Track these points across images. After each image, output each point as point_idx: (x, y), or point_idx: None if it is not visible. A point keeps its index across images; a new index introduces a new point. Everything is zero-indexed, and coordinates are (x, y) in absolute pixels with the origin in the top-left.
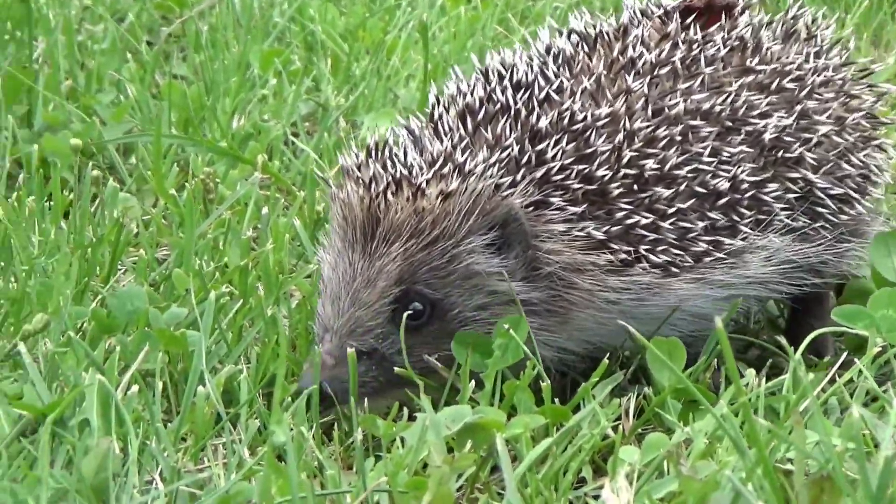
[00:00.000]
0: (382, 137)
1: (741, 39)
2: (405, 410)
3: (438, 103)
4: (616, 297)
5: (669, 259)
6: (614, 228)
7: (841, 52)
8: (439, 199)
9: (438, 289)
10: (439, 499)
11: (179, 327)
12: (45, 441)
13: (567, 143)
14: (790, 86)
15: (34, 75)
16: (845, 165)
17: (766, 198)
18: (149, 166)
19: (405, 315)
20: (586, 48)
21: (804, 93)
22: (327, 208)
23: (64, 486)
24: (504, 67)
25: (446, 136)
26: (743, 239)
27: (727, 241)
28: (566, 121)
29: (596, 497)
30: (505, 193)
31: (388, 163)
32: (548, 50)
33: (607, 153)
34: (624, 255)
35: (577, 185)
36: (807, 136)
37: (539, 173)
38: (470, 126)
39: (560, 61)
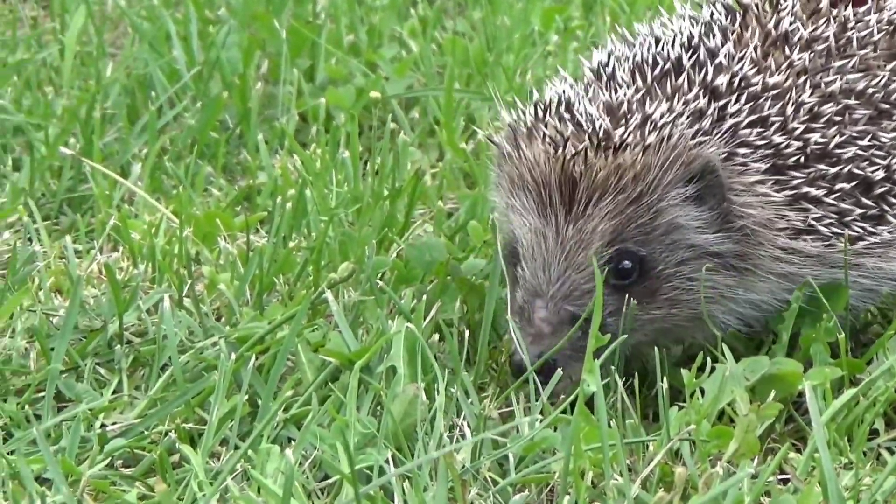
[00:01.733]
0: (547, 94)
1: (891, 23)
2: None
3: (608, 62)
4: (788, 263)
5: (831, 236)
6: (789, 194)
7: None
8: (639, 152)
9: (644, 245)
10: (746, 446)
11: (477, 278)
12: (352, 387)
13: (745, 104)
14: None
15: (318, 30)
16: None
17: None
18: (431, 121)
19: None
20: (737, 20)
21: None
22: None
23: (371, 432)
24: (664, 34)
25: (620, 88)
26: (890, 232)
27: (880, 228)
28: (740, 84)
29: (889, 449)
30: (700, 143)
31: (568, 118)
32: (696, 21)
33: (779, 121)
34: (798, 223)
35: (760, 143)
36: None
37: (726, 126)
38: (647, 80)
39: (715, 30)
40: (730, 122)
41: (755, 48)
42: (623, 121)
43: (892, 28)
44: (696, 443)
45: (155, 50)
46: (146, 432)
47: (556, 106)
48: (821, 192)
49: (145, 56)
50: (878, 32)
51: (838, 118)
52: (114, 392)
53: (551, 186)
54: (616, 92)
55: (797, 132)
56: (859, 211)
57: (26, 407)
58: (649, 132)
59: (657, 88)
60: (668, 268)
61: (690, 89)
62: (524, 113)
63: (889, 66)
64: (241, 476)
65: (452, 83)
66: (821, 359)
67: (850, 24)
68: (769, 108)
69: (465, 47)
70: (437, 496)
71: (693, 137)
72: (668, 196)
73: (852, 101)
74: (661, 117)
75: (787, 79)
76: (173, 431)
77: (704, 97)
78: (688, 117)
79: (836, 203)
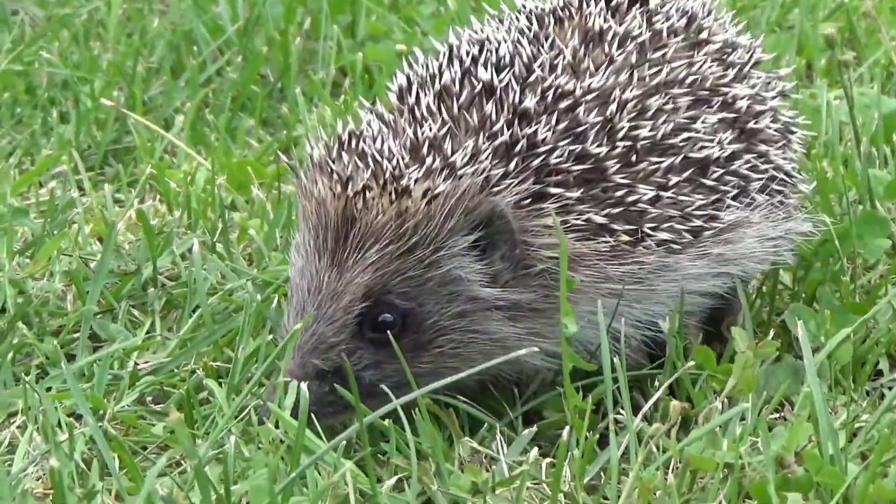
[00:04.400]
0: (355, 123)
1: (686, 13)
2: None
3: (409, 84)
4: (618, 286)
5: (671, 236)
6: (615, 209)
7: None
8: (425, 200)
9: (413, 298)
10: (744, 383)
11: None
12: None
13: (557, 122)
14: (738, 60)
15: None
16: (791, 144)
17: (742, 171)
18: None
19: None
20: (549, 25)
21: (747, 69)
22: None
23: None
24: (472, 45)
25: (425, 121)
26: (731, 213)
27: (721, 213)
28: (555, 99)
29: (892, 388)
30: (492, 188)
31: (367, 153)
32: (507, 30)
33: (598, 127)
34: (626, 237)
35: (572, 167)
36: (760, 108)
37: (534, 160)
38: (453, 110)
39: (530, 35)
40: (538, 151)
41: (573, 51)
42: (418, 163)
43: (688, 17)
44: (706, 378)
45: (199, 6)
46: (176, 371)
47: (356, 140)
48: (655, 189)
49: (190, 11)
50: (679, 21)
51: (667, 107)
52: (147, 333)
53: (327, 227)
54: (421, 126)
55: (623, 131)
56: (699, 197)
57: (62, 346)
58: (438, 177)
59: (464, 119)
60: (444, 320)
61: (498, 118)
62: (326, 145)
63: (698, 52)
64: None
65: None
66: (826, 301)
67: (653, 16)
68: (587, 116)
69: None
70: (424, 432)
71: (491, 179)
72: (447, 246)
73: (676, 90)
74: (463, 158)
75: (608, 77)
76: (201, 369)
77: (512, 127)
78: (490, 156)
79: (674, 196)
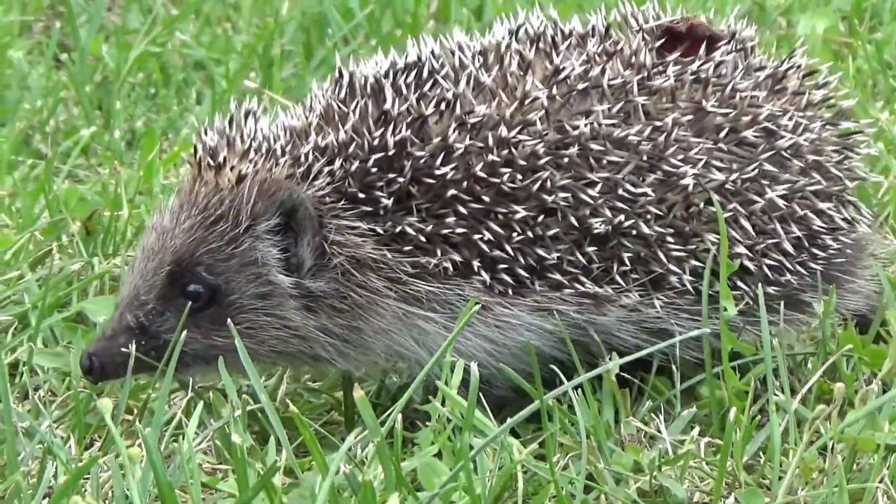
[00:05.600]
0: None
1: (696, 73)
2: None
3: (340, 76)
4: (422, 311)
5: (510, 278)
6: (446, 231)
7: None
8: (234, 178)
9: (220, 273)
10: None
11: None
12: None
13: (414, 131)
14: (753, 138)
15: None
16: (785, 229)
17: (660, 253)
18: None
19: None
20: (534, 47)
21: (768, 152)
22: None
23: None
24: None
25: (311, 112)
26: (610, 286)
27: (589, 282)
28: (427, 106)
29: None
30: (306, 180)
31: (234, 133)
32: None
33: (463, 152)
34: (451, 264)
35: (405, 179)
36: (752, 197)
37: (357, 164)
38: (332, 103)
39: (491, 53)
40: (370, 156)
41: (504, 76)
42: (260, 147)
43: (697, 78)
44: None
45: None
46: None
47: (245, 119)
48: (503, 233)
49: None
50: (676, 81)
51: (572, 161)
52: None
53: (178, 193)
54: (306, 115)
55: (484, 166)
56: (572, 258)
57: None
58: (254, 160)
59: (333, 114)
60: (244, 299)
61: (359, 116)
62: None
63: (676, 117)
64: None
65: None
66: None
67: (644, 70)
68: (454, 137)
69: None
70: (586, 411)
71: (310, 174)
72: (251, 227)
73: (601, 147)
74: (280, 150)
75: (510, 111)
76: None
77: (369, 126)
78: (320, 152)
79: (523, 246)
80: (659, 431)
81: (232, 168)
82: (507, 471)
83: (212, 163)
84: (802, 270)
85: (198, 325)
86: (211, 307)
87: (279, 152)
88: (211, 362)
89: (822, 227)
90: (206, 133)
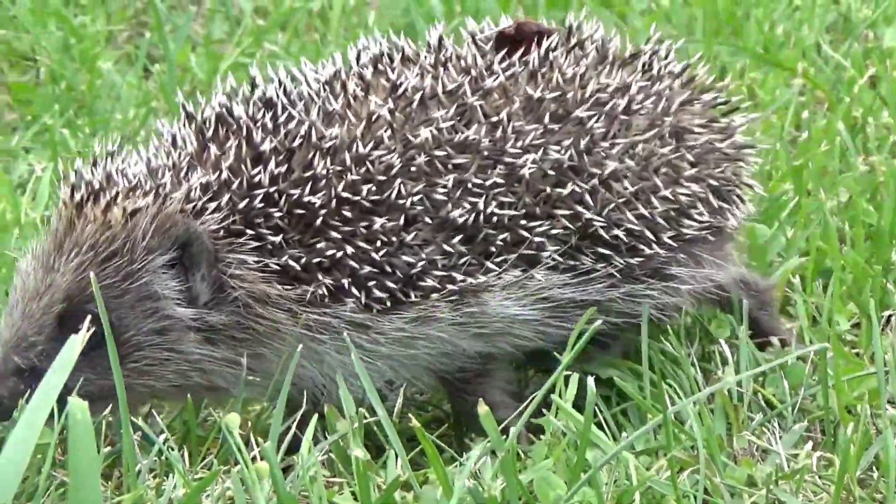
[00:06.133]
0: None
1: (526, 65)
2: None
3: (187, 114)
4: (311, 334)
5: (384, 294)
6: (318, 259)
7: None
8: (125, 214)
9: (112, 310)
10: None
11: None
12: None
13: (284, 166)
14: (583, 114)
15: None
16: (641, 205)
17: (525, 234)
18: None
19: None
20: (373, 68)
21: (600, 122)
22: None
23: None
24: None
25: (177, 150)
26: (485, 275)
27: (462, 276)
28: (292, 141)
29: None
30: (195, 217)
31: (115, 172)
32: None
33: (325, 178)
34: (325, 290)
35: (281, 213)
36: (593, 170)
37: (241, 202)
38: (201, 142)
39: (336, 81)
40: (251, 194)
41: (349, 100)
42: (135, 182)
43: (527, 70)
44: None
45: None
46: None
47: (115, 155)
48: (369, 247)
49: (405, 6)
50: (507, 77)
51: (421, 168)
52: None
53: (52, 232)
54: (172, 152)
55: (346, 186)
56: (439, 258)
57: None
58: (143, 195)
59: (208, 151)
60: (140, 336)
61: (234, 154)
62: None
63: (509, 110)
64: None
65: (711, 40)
66: None
67: (475, 73)
68: (318, 164)
69: (713, 1)
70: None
71: (197, 208)
72: (145, 262)
73: (443, 152)
74: (169, 186)
75: (359, 130)
76: None
77: (244, 164)
78: (206, 190)
79: (391, 256)
80: (771, 445)
81: (118, 204)
82: (635, 488)
83: (96, 201)
84: (670, 242)
85: (92, 367)
86: (104, 345)
87: (167, 188)
88: (111, 399)
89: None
90: (78, 172)
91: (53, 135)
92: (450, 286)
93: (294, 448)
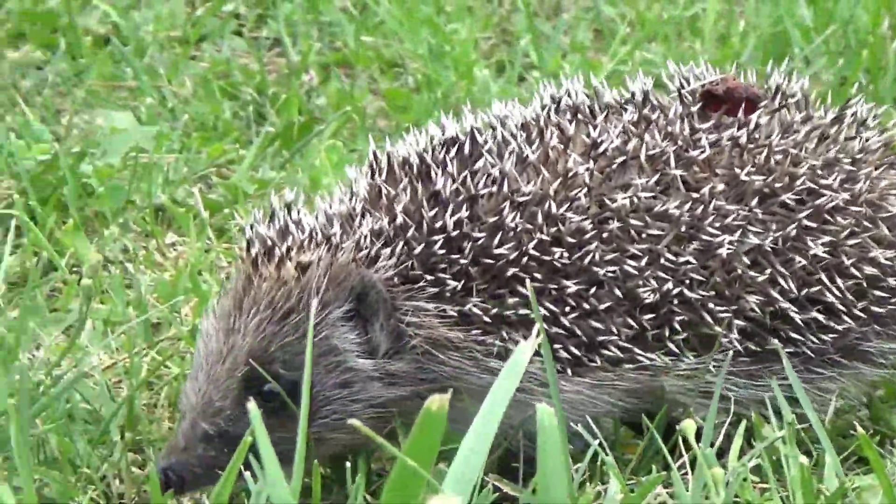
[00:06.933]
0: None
1: (732, 139)
2: None
3: (376, 159)
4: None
5: (570, 356)
6: (506, 312)
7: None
8: (297, 269)
9: (296, 368)
10: None
11: None
12: None
13: (468, 212)
14: (790, 201)
15: None
16: (832, 281)
17: (707, 317)
18: None
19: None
20: (569, 116)
21: (807, 211)
22: None
23: None
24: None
25: (353, 197)
26: (665, 354)
27: (646, 355)
28: (477, 185)
29: None
30: (369, 265)
31: (286, 223)
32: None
33: (514, 230)
34: (513, 344)
35: (466, 260)
36: (792, 256)
37: (418, 246)
38: (373, 187)
39: (529, 127)
40: (432, 237)
41: (546, 152)
42: (308, 235)
43: (735, 144)
44: None
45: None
46: None
47: (288, 210)
48: (557, 310)
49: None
50: (712, 149)
51: (616, 235)
52: None
53: (232, 290)
54: (351, 199)
55: (537, 244)
56: (627, 330)
57: None
58: (315, 248)
59: (379, 196)
60: (326, 390)
61: (408, 198)
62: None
63: (712, 187)
64: None
65: None
66: None
67: (681, 139)
68: (507, 216)
69: None
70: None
71: (375, 259)
72: (323, 316)
73: (641, 222)
74: (342, 236)
75: (554, 188)
76: None
77: (420, 207)
78: (377, 235)
79: (581, 321)
80: None
81: (291, 259)
82: None
83: (270, 257)
84: (862, 315)
85: (283, 425)
86: (288, 407)
87: (338, 238)
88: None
89: (877, 273)
90: (253, 228)
91: None
92: (635, 359)
93: None
